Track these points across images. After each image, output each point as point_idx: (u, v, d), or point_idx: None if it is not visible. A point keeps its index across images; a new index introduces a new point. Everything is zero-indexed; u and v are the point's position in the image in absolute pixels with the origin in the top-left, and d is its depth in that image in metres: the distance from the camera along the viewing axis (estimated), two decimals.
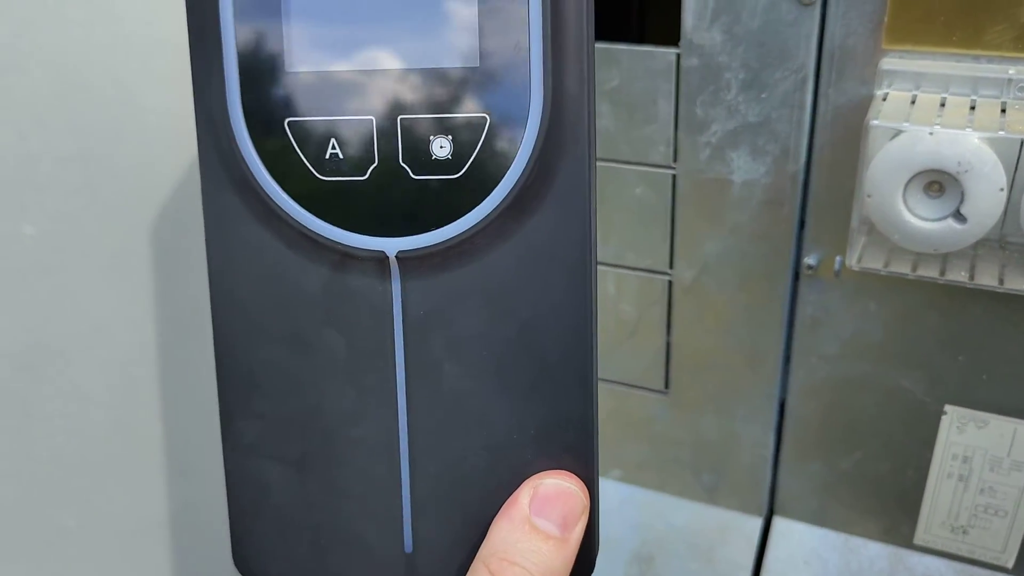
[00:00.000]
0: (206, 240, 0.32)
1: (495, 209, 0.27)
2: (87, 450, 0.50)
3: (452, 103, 0.27)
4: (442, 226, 0.28)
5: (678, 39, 0.46)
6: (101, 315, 0.49)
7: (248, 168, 0.29)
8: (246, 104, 0.28)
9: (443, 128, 0.27)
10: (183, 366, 0.54)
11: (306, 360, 0.31)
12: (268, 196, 0.29)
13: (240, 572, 0.34)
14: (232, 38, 0.28)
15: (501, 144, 0.27)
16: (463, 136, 0.27)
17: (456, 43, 0.26)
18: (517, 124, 0.26)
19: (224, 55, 0.28)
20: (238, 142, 0.28)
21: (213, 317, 0.32)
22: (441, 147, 0.27)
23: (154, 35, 0.48)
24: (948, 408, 0.49)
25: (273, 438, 0.32)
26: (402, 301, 0.29)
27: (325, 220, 0.28)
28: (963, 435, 0.50)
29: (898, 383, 0.50)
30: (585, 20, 0.26)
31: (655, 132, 0.49)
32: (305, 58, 0.27)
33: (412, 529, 0.31)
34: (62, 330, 0.48)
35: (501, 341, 0.29)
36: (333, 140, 0.28)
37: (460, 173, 0.27)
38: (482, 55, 0.26)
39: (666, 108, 0.48)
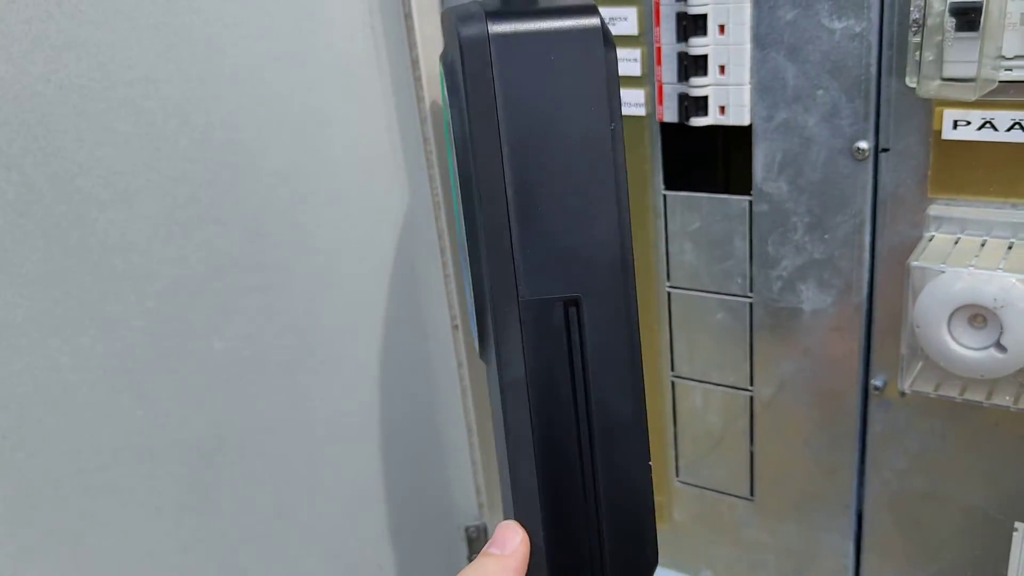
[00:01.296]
0: None
1: None
2: (252, 528, 0.60)
3: None
4: None
5: (751, 188, 0.54)
6: (270, 416, 0.60)
7: None
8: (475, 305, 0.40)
9: None
10: (328, 461, 0.64)
11: None
12: None
13: None
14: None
15: None
16: None
17: None
18: None
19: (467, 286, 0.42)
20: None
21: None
22: None
23: (322, 189, 0.60)
24: (1018, 525, 0.52)
25: None
26: None
27: None
28: None
29: (968, 499, 0.53)
30: None
31: (733, 266, 0.56)
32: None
33: None
34: (237, 427, 0.58)
35: None
36: None
37: None
38: None
39: (741, 246, 0.55)
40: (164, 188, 0.52)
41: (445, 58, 0.38)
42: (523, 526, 0.38)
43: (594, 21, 0.33)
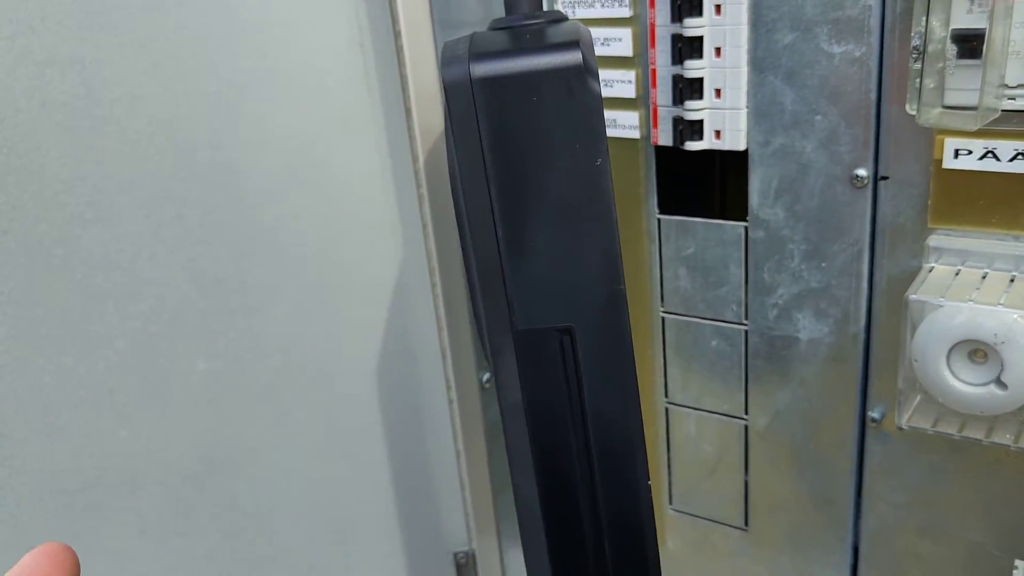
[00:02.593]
0: None
1: None
2: (237, 552, 0.59)
3: None
4: None
5: (747, 214, 0.53)
6: (255, 439, 0.59)
7: None
8: None
9: None
10: (314, 485, 0.63)
11: None
12: None
13: None
14: None
15: None
16: None
17: None
18: None
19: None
20: None
21: None
22: None
23: (308, 210, 0.59)
24: (1018, 562, 0.51)
25: None
26: None
27: None
28: None
29: (967, 535, 0.52)
30: None
31: (727, 293, 0.55)
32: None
33: None
34: (222, 449, 0.58)
35: None
36: None
37: None
38: None
39: (737, 273, 0.54)
40: (148, 207, 0.52)
41: None
42: (528, 545, 0.38)
43: (575, 57, 0.33)
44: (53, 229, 0.49)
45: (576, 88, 0.34)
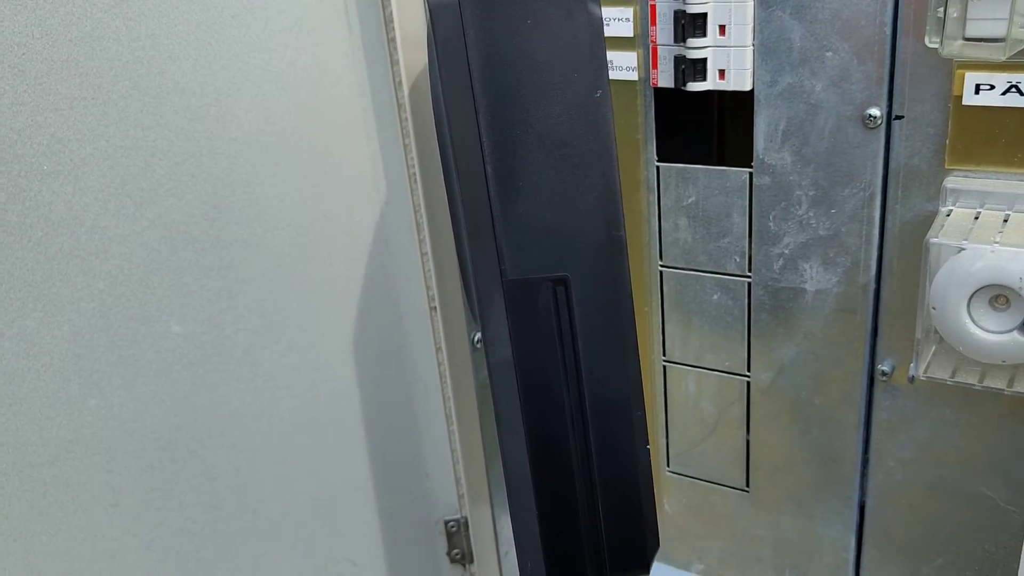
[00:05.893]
0: None
1: None
2: (216, 523, 0.56)
3: None
4: None
5: (751, 160, 0.50)
6: (233, 405, 0.56)
7: None
8: None
9: None
10: (296, 451, 0.60)
11: None
12: None
13: None
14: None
15: None
16: None
17: None
18: None
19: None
20: None
21: None
22: None
23: (286, 160, 0.56)
24: None
25: None
26: None
27: None
28: None
29: (978, 490, 0.50)
30: None
31: (730, 244, 0.52)
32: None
33: None
34: (198, 417, 0.55)
35: None
36: None
37: None
38: None
39: (740, 222, 0.52)
40: (114, 158, 0.48)
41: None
42: (516, 511, 0.37)
43: None
44: (9, 183, 0.45)
45: (575, 11, 0.31)
